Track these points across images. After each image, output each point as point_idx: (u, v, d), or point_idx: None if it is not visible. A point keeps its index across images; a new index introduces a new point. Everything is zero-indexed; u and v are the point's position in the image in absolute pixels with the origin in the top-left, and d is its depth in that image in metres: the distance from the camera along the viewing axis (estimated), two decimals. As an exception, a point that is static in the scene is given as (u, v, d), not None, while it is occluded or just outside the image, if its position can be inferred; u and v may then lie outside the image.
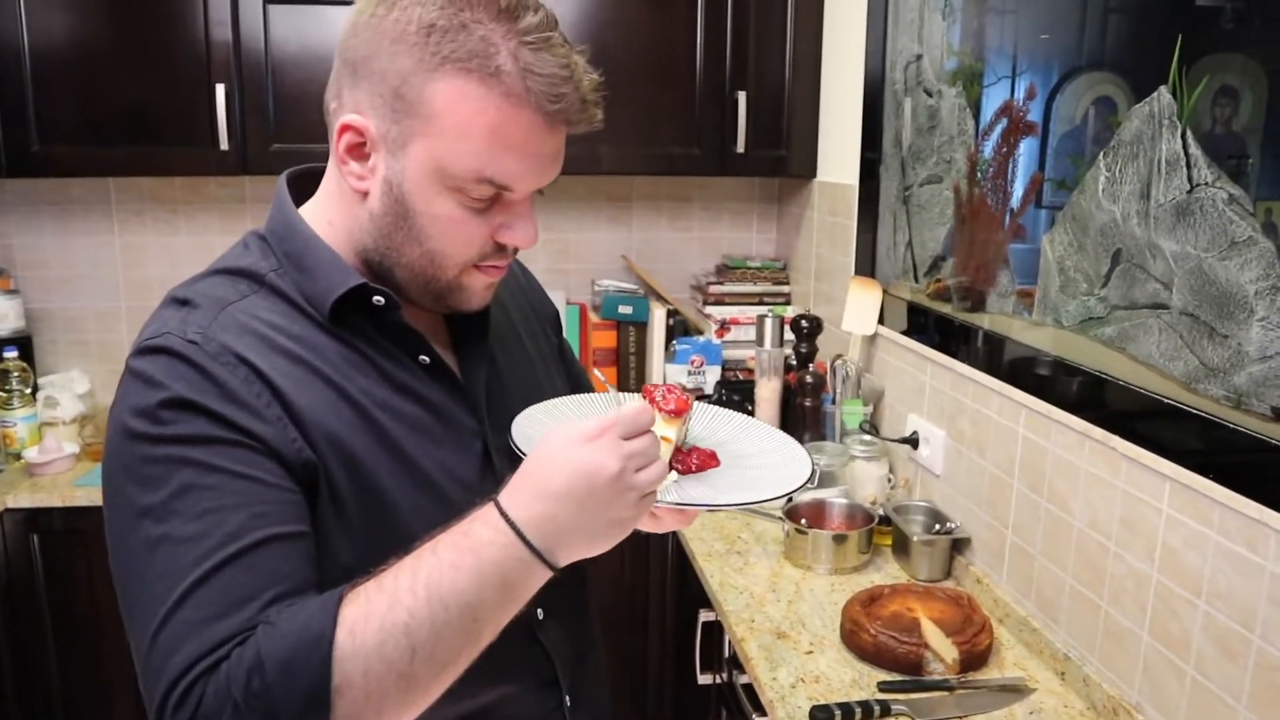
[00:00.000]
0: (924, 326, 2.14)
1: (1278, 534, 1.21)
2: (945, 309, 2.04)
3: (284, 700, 0.78)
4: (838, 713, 1.48)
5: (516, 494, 0.86)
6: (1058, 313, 1.63)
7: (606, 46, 2.61)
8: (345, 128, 0.95)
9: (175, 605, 0.82)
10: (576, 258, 3.19)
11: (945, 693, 1.58)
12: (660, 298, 3.09)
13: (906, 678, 1.61)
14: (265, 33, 2.55)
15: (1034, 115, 1.71)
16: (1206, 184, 1.30)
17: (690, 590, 2.22)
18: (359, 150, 0.96)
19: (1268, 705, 1.22)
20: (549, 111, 0.92)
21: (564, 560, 0.87)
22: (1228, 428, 1.28)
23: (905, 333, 2.23)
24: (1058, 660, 1.64)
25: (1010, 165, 1.78)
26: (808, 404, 2.45)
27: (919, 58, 2.13)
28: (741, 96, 2.72)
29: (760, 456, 1.11)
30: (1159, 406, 1.40)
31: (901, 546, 2.03)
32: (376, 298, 0.99)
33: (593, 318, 3.03)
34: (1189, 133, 1.33)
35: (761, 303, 3.04)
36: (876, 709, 1.49)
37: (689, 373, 2.89)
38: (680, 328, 3.03)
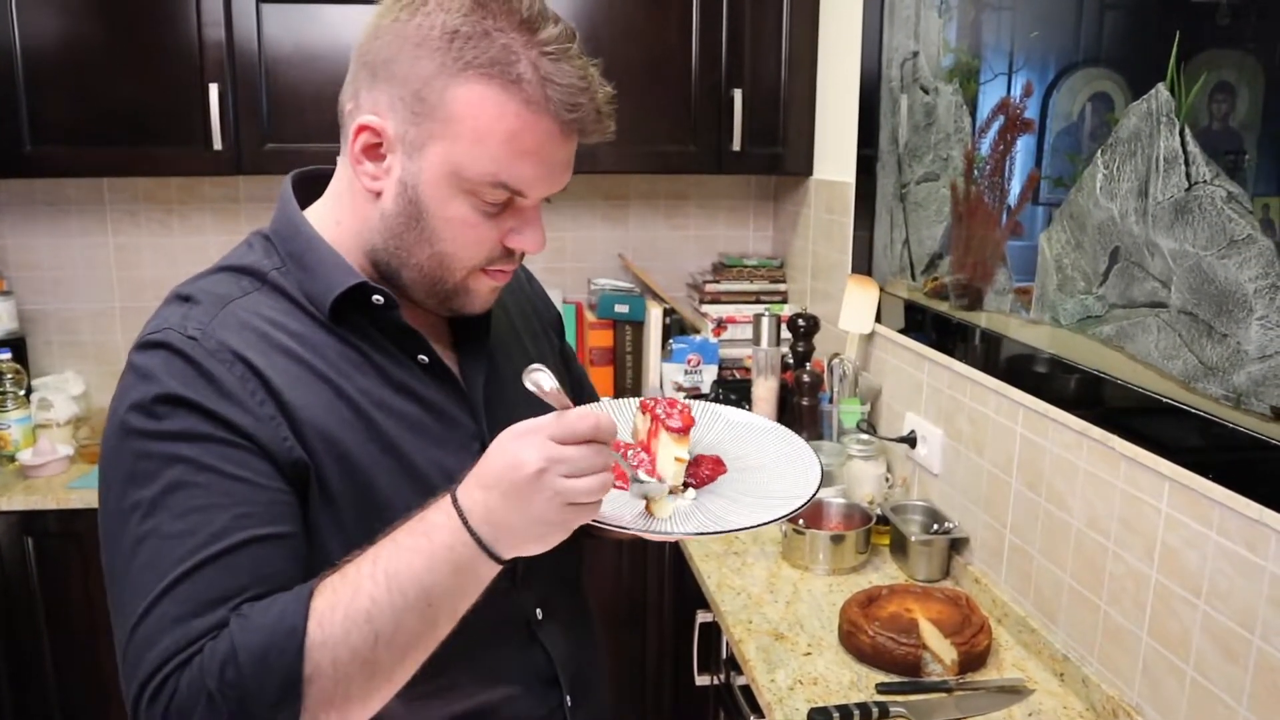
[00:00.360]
0: (921, 325, 2.13)
1: (1278, 534, 1.20)
2: (942, 307, 2.03)
3: (258, 691, 0.80)
4: (836, 715, 1.47)
5: (468, 481, 0.88)
6: (1055, 311, 1.63)
7: (602, 45, 2.60)
8: (362, 128, 0.97)
9: (155, 600, 0.83)
10: (573, 256, 3.18)
11: (944, 694, 1.57)
12: (657, 296, 3.08)
13: (905, 679, 1.60)
14: (259, 32, 2.54)
15: (1031, 112, 1.70)
16: (1205, 181, 1.29)
17: (687, 591, 2.21)
18: (375, 151, 0.97)
19: (1268, 706, 1.22)
20: (565, 120, 0.94)
21: (506, 553, 0.87)
22: (1227, 427, 1.27)
23: (902, 331, 2.22)
24: (1057, 661, 1.63)
25: (1007, 162, 1.77)
26: (805, 403, 2.44)
27: (915, 54, 2.12)
28: (737, 94, 2.71)
29: (759, 455, 1.11)
30: (1158, 405, 1.39)
31: (899, 546, 2.03)
32: (376, 297, 1.00)
33: (589, 317, 3.02)
34: (1187, 130, 1.32)
35: (758, 301, 3.04)
36: (875, 711, 1.49)
37: (685, 372, 2.88)
38: (677, 326, 3.03)
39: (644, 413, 1.08)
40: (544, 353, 1.27)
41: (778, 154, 2.80)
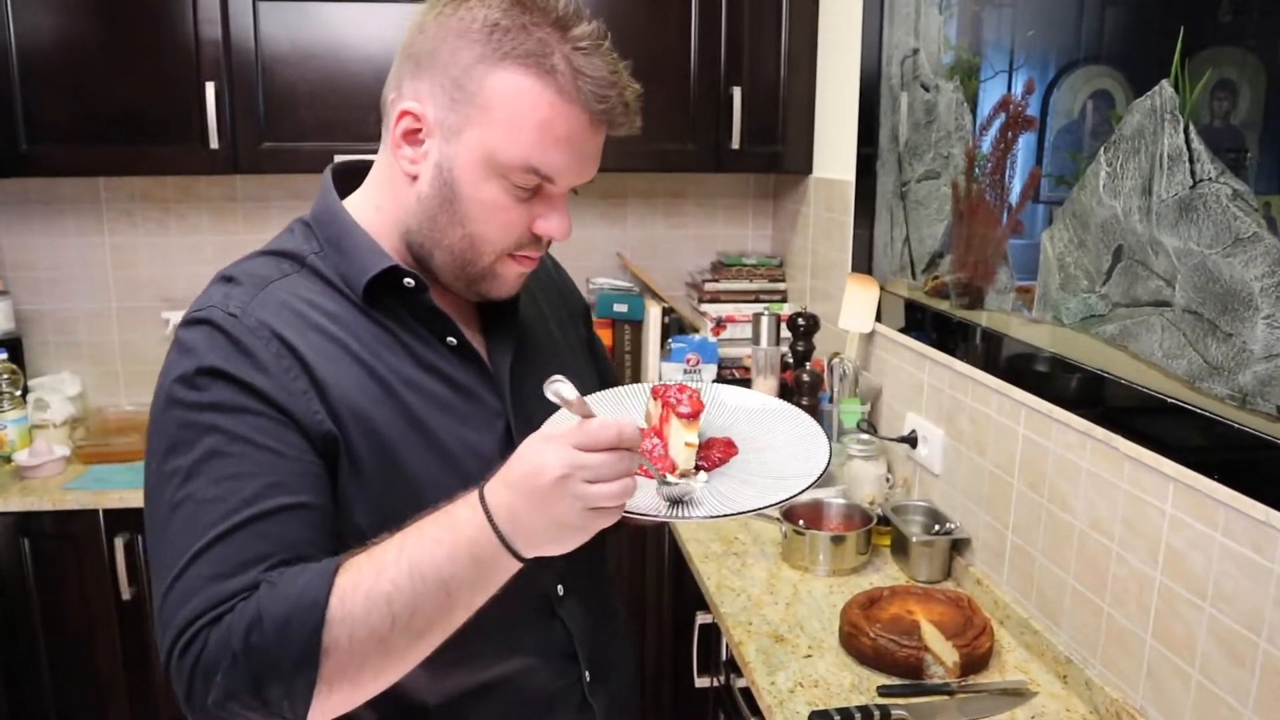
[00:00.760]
0: (922, 324, 2.12)
1: (1284, 535, 1.19)
2: (943, 306, 2.02)
3: (278, 657, 0.85)
4: (837, 718, 1.45)
5: (495, 480, 0.91)
6: (1058, 310, 1.61)
7: (600, 42, 2.58)
8: (404, 114, 1.03)
9: (190, 561, 0.89)
10: (571, 255, 3.15)
11: (946, 697, 1.55)
12: (655, 296, 3.06)
13: (906, 681, 1.59)
14: (255, 30, 2.52)
15: (1032, 109, 1.69)
16: (1210, 179, 1.27)
17: (687, 592, 2.20)
18: (414, 136, 1.03)
19: (1275, 710, 1.20)
20: (595, 111, 1.00)
21: (527, 552, 0.91)
22: (1232, 427, 1.25)
23: (903, 330, 2.21)
24: (1060, 663, 1.62)
25: (1009, 160, 1.76)
26: (805, 403, 2.42)
27: (915, 52, 2.10)
28: (736, 92, 2.69)
29: (770, 435, 1.13)
30: (1162, 405, 1.38)
31: (900, 547, 2.01)
32: (407, 280, 1.06)
33: (588, 316, 3.01)
34: (1191, 127, 1.31)
35: (758, 300, 3.02)
36: (876, 714, 1.47)
37: (684, 371, 2.86)
38: (676, 326, 3.01)
39: (656, 398, 1.11)
40: (570, 340, 1.31)
41: (777, 152, 2.79)
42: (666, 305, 3.00)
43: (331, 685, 0.87)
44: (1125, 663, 1.48)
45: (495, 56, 0.98)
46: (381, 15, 2.57)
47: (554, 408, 0.99)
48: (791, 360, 2.61)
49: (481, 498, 0.90)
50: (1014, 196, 1.75)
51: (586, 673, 1.19)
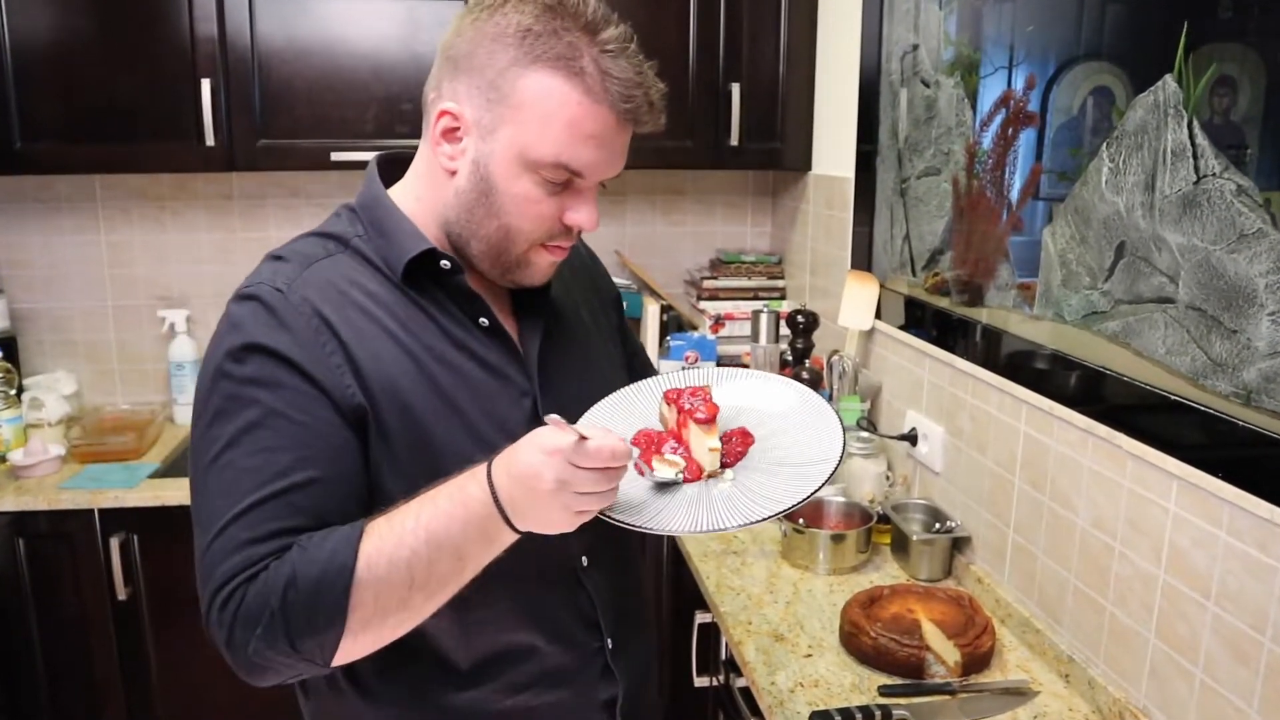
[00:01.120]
0: (922, 321, 2.11)
1: (1289, 534, 1.18)
2: (943, 303, 2.01)
3: (312, 613, 0.96)
4: (838, 718, 1.44)
5: (500, 464, 0.99)
6: (1059, 307, 1.60)
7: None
8: (443, 113, 1.10)
9: (228, 523, 0.99)
10: (569, 253, 3.15)
11: (947, 696, 1.54)
12: (654, 293, 3.05)
13: (907, 681, 1.58)
14: (251, 26, 2.51)
15: (1033, 105, 1.68)
16: (1214, 175, 1.26)
17: (686, 591, 2.19)
18: (453, 134, 1.10)
19: (1280, 710, 1.20)
20: (621, 110, 1.07)
21: (523, 529, 1.00)
22: (1237, 424, 1.24)
23: (903, 327, 2.20)
24: (1062, 662, 1.61)
25: (1009, 157, 1.75)
26: (804, 400, 2.41)
27: (915, 48, 2.09)
28: (735, 89, 2.68)
29: (780, 417, 1.17)
30: (1165, 403, 1.37)
31: (901, 545, 2.00)
32: (444, 262, 1.13)
33: (586, 314, 2.99)
34: (1195, 122, 1.29)
35: (756, 298, 3.01)
36: (877, 714, 1.46)
37: (683, 369, 2.85)
38: (674, 323, 3.00)
39: (669, 404, 1.15)
40: (601, 326, 1.38)
41: (776, 149, 2.78)
42: (665, 303, 2.99)
43: (356, 636, 0.99)
44: (1128, 662, 1.47)
45: (527, 59, 1.05)
46: (378, 11, 2.56)
47: (579, 391, 1.16)
48: (791, 358, 2.60)
49: (489, 478, 0.98)
50: (1015, 193, 1.74)
51: (609, 640, 1.26)
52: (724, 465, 1.11)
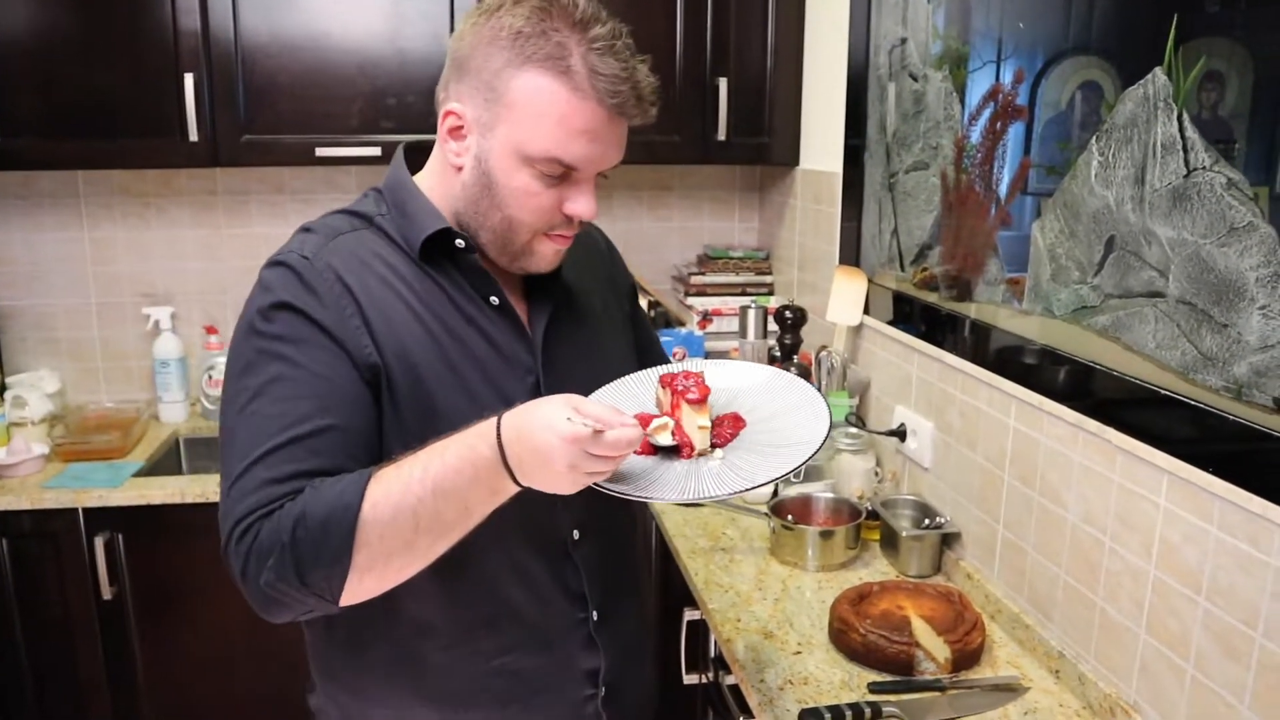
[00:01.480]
0: (910, 316, 2.10)
1: (1280, 529, 1.17)
2: (932, 298, 2.00)
3: (318, 549, 1.02)
4: (827, 715, 1.44)
5: (511, 427, 1.02)
6: (1049, 301, 1.59)
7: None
8: (448, 113, 1.18)
9: (251, 464, 1.07)
10: (557, 249, 3.13)
11: (937, 693, 1.54)
12: (641, 289, 3.03)
13: (897, 678, 1.57)
14: (235, 20, 2.49)
15: (1022, 99, 1.67)
16: (1204, 168, 1.26)
17: (674, 588, 2.18)
18: (458, 132, 1.18)
19: (1271, 705, 1.19)
20: (609, 105, 1.12)
21: (526, 485, 1.05)
22: (1227, 419, 1.24)
23: (891, 323, 2.19)
24: (1052, 658, 1.60)
25: (998, 151, 1.74)
26: (793, 396, 2.40)
27: (903, 41, 2.08)
28: (722, 83, 2.67)
29: (771, 404, 1.22)
30: (1155, 397, 1.36)
31: (890, 542, 2.00)
32: (459, 241, 1.21)
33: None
34: (1185, 115, 1.29)
35: (744, 293, 3.00)
36: (867, 711, 1.45)
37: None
38: (662, 319, 2.99)
39: (665, 387, 1.19)
40: (612, 314, 1.44)
41: (763, 144, 2.77)
42: (652, 299, 2.98)
43: (362, 574, 1.04)
44: (1119, 658, 1.47)
45: (519, 60, 1.11)
46: (364, 6, 2.54)
47: (582, 373, 1.23)
48: (779, 354, 2.59)
49: (499, 441, 1.02)
50: (1003, 187, 1.73)
51: (594, 613, 1.32)
52: (714, 445, 1.16)
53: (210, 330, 2.91)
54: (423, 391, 1.17)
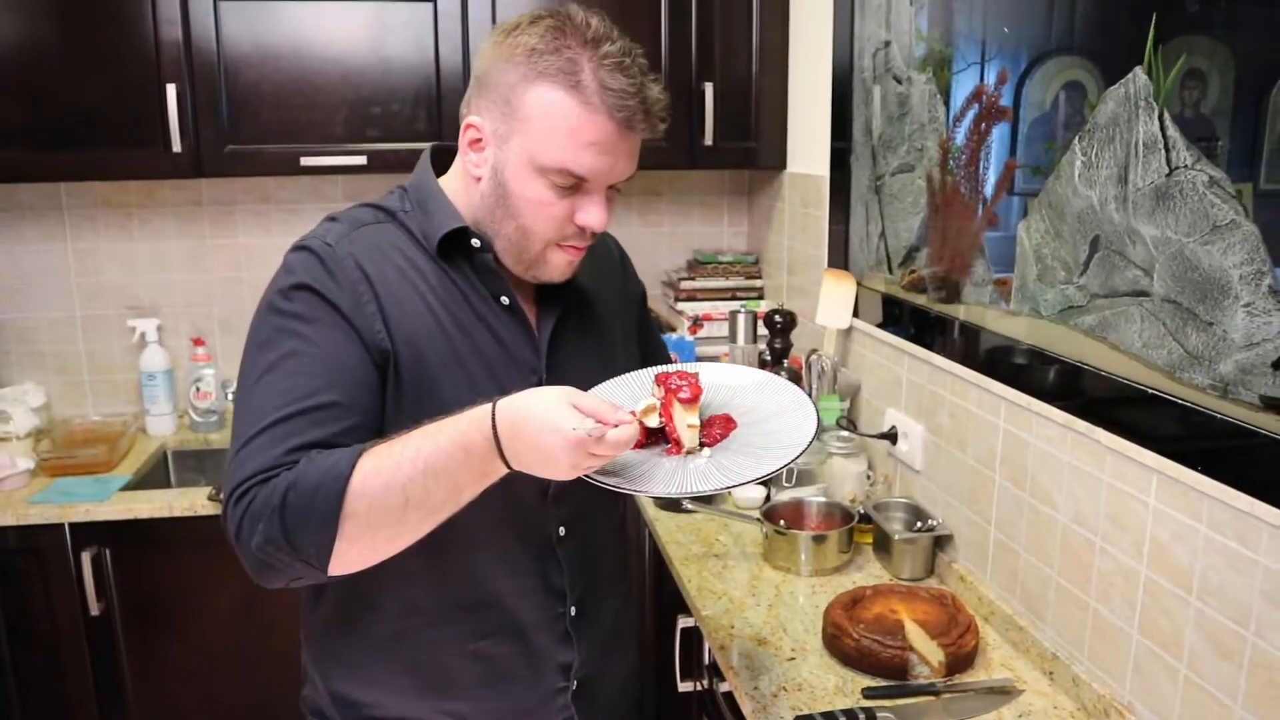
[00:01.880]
0: (899, 318, 2.10)
1: (1270, 527, 1.17)
2: (921, 300, 2.00)
3: (307, 515, 1.06)
4: (821, 721, 1.43)
5: (506, 421, 1.06)
6: (1036, 302, 1.59)
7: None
8: (468, 126, 1.24)
9: (258, 432, 1.12)
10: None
11: (932, 697, 1.53)
12: (631, 295, 3.03)
13: (892, 683, 1.56)
14: (217, 31, 2.48)
15: (1005, 100, 1.67)
16: (1186, 166, 1.25)
17: (668, 595, 2.17)
18: (477, 144, 1.24)
19: (1264, 704, 1.19)
20: (618, 119, 1.17)
21: (521, 469, 1.09)
22: (1214, 417, 1.23)
23: (880, 325, 2.19)
24: (1046, 660, 1.60)
25: (983, 152, 1.74)
26: (783, 400, 2.39)
27: (887, 44, 2.08)
28: (708, 88, 2.67)
29: (761, 408, 1.24)
30: (1142, 396, 1.36)
31: (882, 545, 1.99)
32: (474, 240, 1.26)
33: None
34: (1166, 114, 1.29)
35: (734, 298, 3.00)
36: (862, 716, 1.45)
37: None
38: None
39: (659, 385, 1.22)
40: (620, 322, 1.48)
41: (750, 148, 2.76)
42: (642, 304, 2.97)
43: (351, 543, 1.07)
44: (1112, 658, 1.46)
45: (533, 75, 1.17)
46: (346, 15, 2.53)
47: (586, 377, 1.23)
48: (769, 358, 2.58)
49: (494, 431, 1.06)
50: (989, 188, 1.73)
51: (572, 608, 1.36)
52: (703, 445, 1.19)
53: (197, 342, 2.90)
54: (428, 379, 1.22)
